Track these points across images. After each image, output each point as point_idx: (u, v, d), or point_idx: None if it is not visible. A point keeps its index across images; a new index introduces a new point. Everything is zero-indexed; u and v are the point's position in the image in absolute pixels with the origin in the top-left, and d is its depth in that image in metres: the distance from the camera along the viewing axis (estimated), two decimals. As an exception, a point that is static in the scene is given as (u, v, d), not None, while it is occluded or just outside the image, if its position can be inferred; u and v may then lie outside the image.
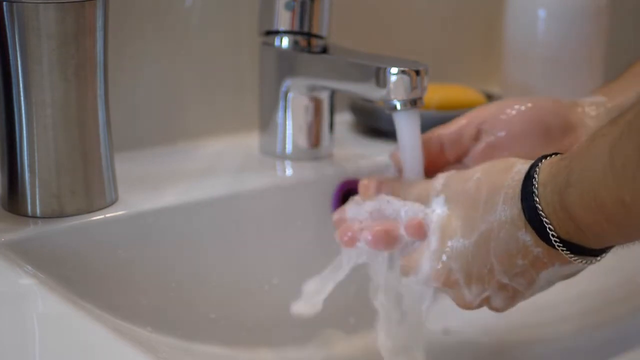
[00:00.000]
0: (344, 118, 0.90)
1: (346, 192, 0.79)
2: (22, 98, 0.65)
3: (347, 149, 0.84)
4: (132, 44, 0.80)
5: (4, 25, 0.64)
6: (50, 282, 0.61)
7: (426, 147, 0.70)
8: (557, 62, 0.97)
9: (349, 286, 0.75)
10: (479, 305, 0.63)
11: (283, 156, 0.80)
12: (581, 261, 0.59)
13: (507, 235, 0.60)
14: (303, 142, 0.80)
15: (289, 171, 0.79)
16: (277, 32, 0.78)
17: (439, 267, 0.62)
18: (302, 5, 0.77)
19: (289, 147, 0.80)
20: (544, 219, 0.58)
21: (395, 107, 0.69)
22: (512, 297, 0.62)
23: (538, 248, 0.59)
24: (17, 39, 0.64)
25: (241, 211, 0.75)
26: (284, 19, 0.77)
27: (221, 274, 0.73)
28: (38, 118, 0.65)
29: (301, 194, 0.77)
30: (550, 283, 0.62)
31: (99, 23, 0.66)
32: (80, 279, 0.66)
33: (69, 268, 0.65)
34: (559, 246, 0.58)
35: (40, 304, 0.59)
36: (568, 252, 0.58)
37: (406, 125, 0.69)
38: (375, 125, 0.88)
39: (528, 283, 0.61)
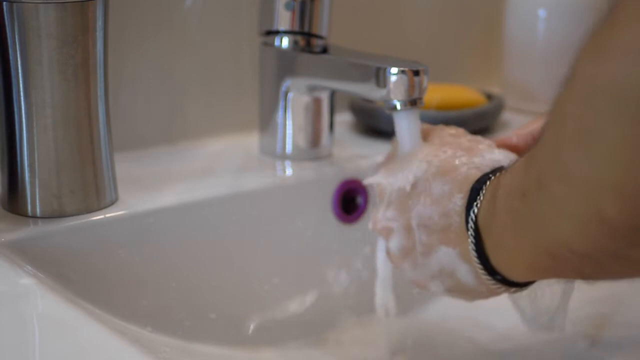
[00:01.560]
0: (344, 118, 0.90)
1: (346, 192, 0.79)
2: (22, 98, 0.65)
3: (347, 149, 0.84)
4: (132, 44, 0.80)
5: (4, 25, 0.64)
6: (50, 282, 0.61)
7: (521, 141, 0.68)
8: (558, 62, 0.97)
9: (350, 285, 0.75)
10: (380, 231, 0.64)
11: (283, 156, 0.80)
12: (477, 265, 0.58)
13: (448, 189, 0.60)
14: (303, 142, 0.80)
15: (289, 171, 0.79)
16: (277, 32, 0.78)
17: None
18: (302, 5, 0.77)
19: (289, 147, 0.80)
20: (482, 192, 0.58)
21: (395, 107, 0.69)
22: (406, 251, 0.63)
23: (457, 218, 0.59)
24: (17, 39, 0.64)
25: (241, 211, 0.74)
26: (284, 19, 0.77)
27: (221, 274, 0.73)
28: (38, 118, 0.65)
29: (301, 194, 0.77)
30: (443, 282, 0.62)
31: (99, 23, 0.66)
32: (80, 279, 0.65)
33: (69, 268, 0.65)
34: (470, 227, 0.58)
35: (40, 304, 0.58)
36: (473, 240, 0.58)
37: (406, 126, 0.69)
38: (375, 125, 0.88)
39: (427, 245, 0.61)
